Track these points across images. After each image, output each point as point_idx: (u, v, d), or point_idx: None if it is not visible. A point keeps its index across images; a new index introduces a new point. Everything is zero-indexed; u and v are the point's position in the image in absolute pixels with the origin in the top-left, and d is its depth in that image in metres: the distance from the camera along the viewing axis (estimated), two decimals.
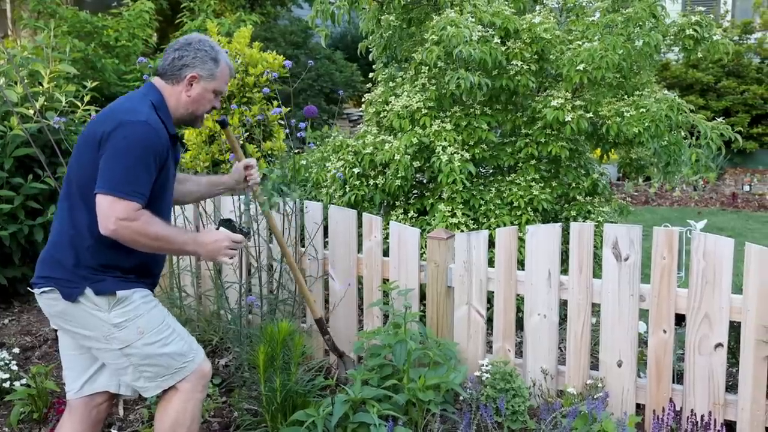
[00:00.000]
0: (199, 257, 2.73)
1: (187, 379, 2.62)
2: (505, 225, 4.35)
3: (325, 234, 4.03)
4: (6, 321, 4.98)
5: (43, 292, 2.56)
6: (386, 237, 4.12)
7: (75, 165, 2.57)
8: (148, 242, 2.48)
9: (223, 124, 3.11)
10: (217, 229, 2.69)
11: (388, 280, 3.82)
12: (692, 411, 3.21)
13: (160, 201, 2.62)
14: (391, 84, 5.09)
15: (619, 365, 3.36)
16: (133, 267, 2.58)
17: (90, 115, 5.38)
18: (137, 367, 2.57)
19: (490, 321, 3.72)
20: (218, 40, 5.87)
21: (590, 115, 4.50)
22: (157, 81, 2.70)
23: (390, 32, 5.34)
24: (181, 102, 2.68)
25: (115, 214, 2.39)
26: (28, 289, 2.65)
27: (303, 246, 4.02)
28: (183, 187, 2.99)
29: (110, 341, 2.54)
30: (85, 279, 2.50)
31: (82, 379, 2.69)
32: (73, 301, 2.51)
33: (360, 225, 3.93)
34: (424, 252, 3.88)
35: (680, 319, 3.26)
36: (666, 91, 4.78)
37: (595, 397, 3.29)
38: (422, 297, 3.83)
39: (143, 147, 2.45)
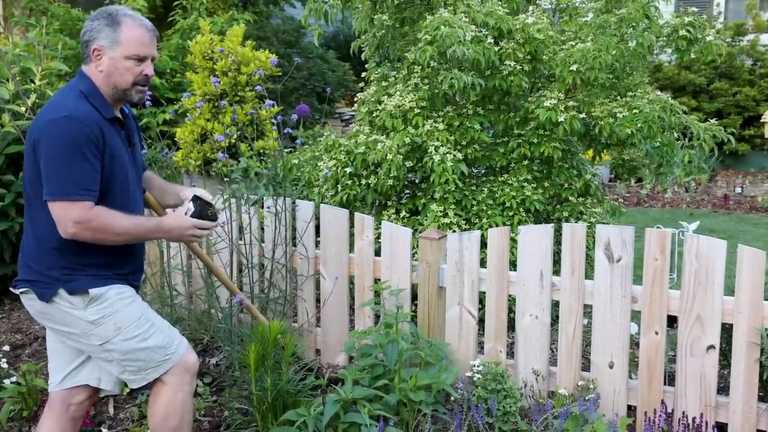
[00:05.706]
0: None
1: (172, 372, 2.63)
2: (497, 225, 4.34)
3: (318, 233, 4.02)
4: None
5: (22, 293, 2.59)
6: (378, 237, 4.11)
7: (26, 171, 2.53)
8: (111, 238, 2.47)
9: None
10: (191, 201, 2.68)
11: (379, 279, 3.81)
12: (684, 413, 3.21)
13: (122, 190, 2.57)
14: (383, 83, 5.07)
15: (611, 367, 3.36)
16: (106, 263, 2.56)
17: None
18: (119, 362, 2.59)
19: (481, 321, 3.72)
20: (211, 39, 5.85)
21: (583, 115, 4.50)
22: (83, 67, 2.59)
23: (383, 31, 5.33)
24: (99, 79, 2.55)
25: (70, 217, 2.38)
26: (10, 289, 2.65)
27: (294, 245, 4.01)
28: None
29: (89, 338, 2.55)
30: (58, 280, 2.50)
31: (65, 371, 2.71)
32: (47, 301, 2.52)
33: (352, 224, 3.92)
34: (416, 252, 3.87)
35: (672, 321, 3.26)
36: (659, 93, 4.78)
37: (586, 398, 3.28)
38: (414, 297, 3.82)
39: (72, 142, 2.37)
